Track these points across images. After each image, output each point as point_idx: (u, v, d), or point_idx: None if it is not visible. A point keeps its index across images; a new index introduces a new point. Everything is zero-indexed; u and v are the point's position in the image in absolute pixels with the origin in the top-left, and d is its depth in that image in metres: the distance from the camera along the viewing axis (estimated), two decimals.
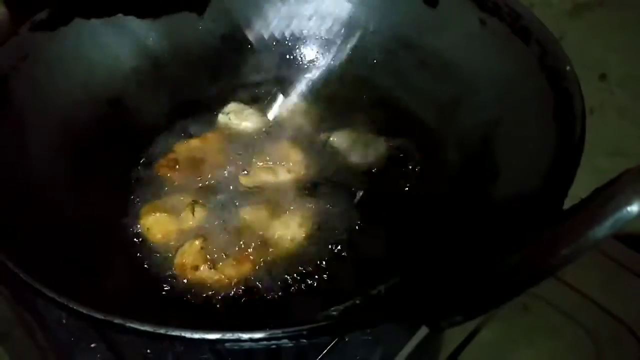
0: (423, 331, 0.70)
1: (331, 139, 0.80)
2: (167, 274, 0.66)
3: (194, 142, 0.80)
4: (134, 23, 0.84)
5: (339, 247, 0.68)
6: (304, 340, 0.45)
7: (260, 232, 0.69)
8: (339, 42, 0.91)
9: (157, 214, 0.70)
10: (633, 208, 0.37)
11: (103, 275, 0.61)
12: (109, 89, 0.82)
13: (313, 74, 0.92)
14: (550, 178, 0.56)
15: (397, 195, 0.74)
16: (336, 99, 0.87)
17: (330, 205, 0.72)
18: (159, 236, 0.69)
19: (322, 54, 0.93)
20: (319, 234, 0.69)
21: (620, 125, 0.99)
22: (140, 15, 0.85)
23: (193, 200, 0.71)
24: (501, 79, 0.72)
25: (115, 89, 0.82)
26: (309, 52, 0.93)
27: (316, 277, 0.65)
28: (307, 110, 0.84)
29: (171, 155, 0.78)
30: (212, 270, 0.65)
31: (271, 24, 0.91)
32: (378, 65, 0.87)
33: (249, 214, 0.70)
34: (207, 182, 0.75)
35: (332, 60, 0.92)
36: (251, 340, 0.44)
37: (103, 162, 0.75)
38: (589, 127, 0.58)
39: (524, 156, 0.64)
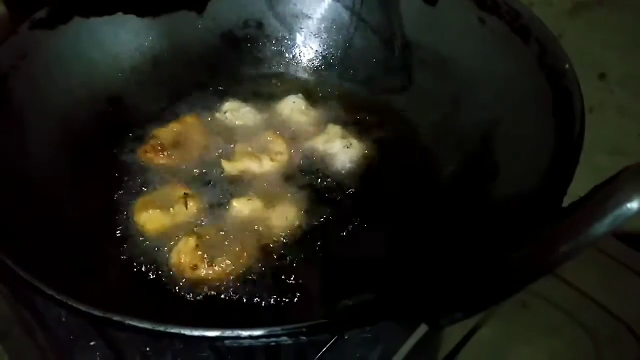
0: (422, 329, 0.70)
1: (327, 137, 0.80)
2: (166, 270, 0.66)
3: (175, 126, 0.80)
4: (133, 22, 0.85)
5: (338, 246, 0.68)
6: (303, 338, 0.45)
7: (255, 225, 0.69)
8: (338, 40, 0.91)
9: (150, 210, 0.69)
10: (633, 205, 0.37)
11: (102, 272, 0.61)
12: (108, 88, 0.82)
13: (311, 73, 0.92)
14: (549, 176, 0.56)
15: (396, 194, 0.74)
16: (334, 97, 0.88)
17: (325, 196, 0.72)
18: (154, 232, 0.69)
19: (320, 52, 0.93)
20: (313, 226, 0.70)
21: (619, 123, 0.99)
22: (140, 13, 0.85)
23: (185, 193, 0.71)
24: (500, 77, 0.73)
25: (115, 87, 0.83)
26: (307, 51, 0.93)
27: (315, 273, 0.65)
28: (305, 108, 0.84)
29: (154, 141, 0.77)
30: (209, 267, 0.64)
31: (270, 23, 0.91)
32: (377, 64, 0.87)
33: (243, 205, 0.70)
34: (196, 172, 0.76)
35: (331, 59, 0.92)
36: (250, 337, 0.44)
37: (102, 160, 0.75)
38: (588, 126, 0.58)
39: (524, 154, 0.64)
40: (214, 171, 0.76)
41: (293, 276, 0.65)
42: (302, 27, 0.92)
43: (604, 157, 0.95)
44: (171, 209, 0.70)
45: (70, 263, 0.59)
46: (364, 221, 0.70)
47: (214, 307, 0.62)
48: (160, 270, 0.66)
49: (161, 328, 0.45)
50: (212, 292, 0.64)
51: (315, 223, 0.70)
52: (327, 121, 0.83)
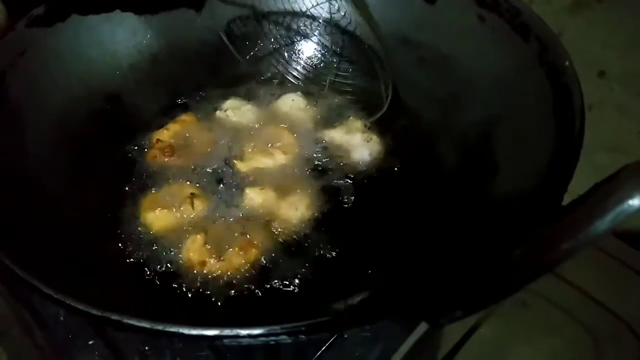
0: (422, 327, 0.70)
1: (327, 136, 0.80)
2: (166, 269, 0.65)
3: (176, 127, 0.79)
4: (131, 19, 0.84)
5: (336, 243, 0.68)
6: (303, 337, 0.45)
7: (266, 218, 0.69)
8: (337, 38, 0.91)
9: (157, 209, 0.69)
10: (634, 202, 0.37)
11: (101, 271, 0.61)
12: (106, 85, 0.81)
13: (311, 70, 0.91)
14: (549, 174, 0.56)
15: (396, 193, 0.74)
16: (334, 95, 0.87)
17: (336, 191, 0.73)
18: (160, 230, 0.69)
19: (320, 50, 0.92)
20: (323, 219, 0.70)
21: (619, 121, 0.99)
22: (138, 11, 0.85)
23: (191, 193, 0.71)
24: (500, 75, 0.72)
25: (113, 85, 0.82)
26: (307, 49, 0.93)
27: (315, 272, 0.65)
28: (305, 106, 0.84)
29: (160, 144, 0.77)
30: (219, 262, 0.64)
31: (269, 20, 0.91)
32: (376, 62, 0.87)
33: (257, 194, 0.70)
34: (203, 171, 0.75)
35: (330, 56, 0.92)
36: (250, 336, 0.44)
37: (101, 158, 0.74)
38: (588, 124, 0.58)
39: (524, 152, 0.64)
40: (224, 169, 0.75)
41: (300, 272, 0.65)
42: (301, 24, 0.92)
43: (604, 155, 0.95)
44: (176, 207, 0.70)
45: (68, 262, 0.58)
46: (365, 222, 0.70)
47: (213, 305, 0.62)
48: (161, 269, 0.65)
49: (160, 327, 0.44)
50: (212, 291, 0.63)
51: (326, 216, 0.70)
52: (327, 120, 0.83)
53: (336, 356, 0.68)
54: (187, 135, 0.79)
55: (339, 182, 0.75)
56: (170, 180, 0.74)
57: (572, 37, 0.91)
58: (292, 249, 0.67)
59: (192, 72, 0.88)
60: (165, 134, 0.78)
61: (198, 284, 0.64)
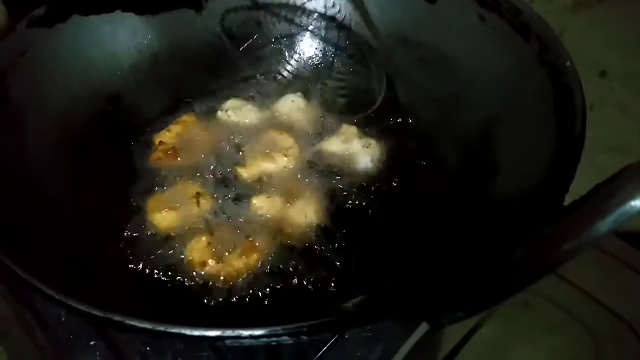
0: (423, 328, 0.70)
1: (325, 147, 0.79)
2: (168, 270, 0.65)
3: (177, 128, 0.79)
4: (132, 20, 0.84)
5: (339, 244, 0.68)
6: (304, 337, 0.45)
7: (274, 224, 0.69)
8: (337, 38, 0.91)
9: (164, 209, 0.69)
10: (636, 203, 0.37)
11: (102, 272, 0.60)
12: (107, 86, 0.81)
13: (311, 70, 0.91)
14: (550, 174, 0.56)
15: (397, 193, 0.74)
16: (335, 95, 0.87)
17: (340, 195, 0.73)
18: (165, 230, 0.69)
19: (320, 50, 0.92)
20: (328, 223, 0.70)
21: (620, 121, 0.99)
22: (139, 12, 0.85)
23: (197, 193, 0.71)
24: (501, 75, 0.72)
25: (114, 86, 0.82)
26: (307, 49, 0.93)
27: (317, 271, 0.65)
28: (305, 106, 0.84)
29: (163, 146, 0.77)
30: (219, 264, 0.64)
31: (270, 20, 0.91)
32: (377, 62, 0.87)
33: (263, 203, 0.70)
34: (207, 172, 0.75)
35: (331, 56, 0.92)
36: (251, 337, 0.44)
37: (102, 159, 0.74)
38: (589, 124, 0.58)
39: (524, 152, 0.64)
40: (229, 170, 0.75)
41: (302, 273, 0.65)
42: (302, 24, 0.92)
43: (605, 155, 0.95)
44: (182, 207, 0.70)
45: (70, 263, 0.58)
46: (365, 222, 0.70)
47: (215, 306, 0.62)
48: (163, 270, 0.65)
49: (161, 328, 0.44)
50: (214, 291, 0.63)
51: (328, 219, 0.70)
52: (327, 121, 0.82)
53: (337, 356, 0.68)
54: (189, 136, 0.79)
55: (340, 185, 0.74)
56: (177, 179, 0.74)
57: (573, 36, 0.91)
58: (294, 251, 0.67)
59: (192, 73, 0.88)
60: (167, 136, 0.78)
61: (200, 285, 0.64)
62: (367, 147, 0.77)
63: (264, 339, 0.44)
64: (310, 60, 0.93)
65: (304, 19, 0.92)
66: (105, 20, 0.82)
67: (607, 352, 0.75)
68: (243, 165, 0.75)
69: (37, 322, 0.72)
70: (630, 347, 0.76)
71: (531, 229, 0.47)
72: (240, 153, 0.77)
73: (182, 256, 0.66)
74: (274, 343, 0.45)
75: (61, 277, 0.51)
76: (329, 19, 0.90)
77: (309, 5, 0.91)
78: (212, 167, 0.76)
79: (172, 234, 0.68)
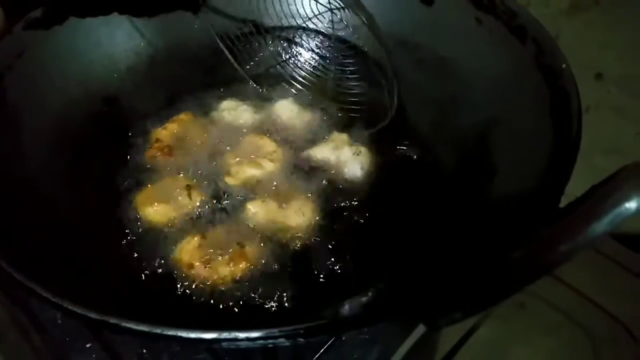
0: (420, 329, 0.70)
1: (314, 155, 0.78)
2: (164, 272, 0.65)
3: (174, 127, 0.79)
4: (129, 22, 0.84)
5: (336, 246, 0.68)
6: (301, 339, 0.44)
7: (267, 226, 0.68)
8: (334, 41, 0.91)
9: (154, 203, 0.69)
10: (631, 204, 0.37)
11: (98, 274, 0.60)
12: (104, 88, 0.82)
13: (308, 73, 0.91)
14: (547, 176, 0.56)
15: (394, 194, 0.74)
16: (331, 97, 0.87)
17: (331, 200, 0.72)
18: (156, 226, 0.69)
19: (317, 52, 0.92)
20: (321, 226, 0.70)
21: (616, 123, 0.99)
22: (136, 14, 0.85)
23: (187, 185, 0.71)
24: (497, 77, 0.73)
25: (111, 88, 0.82)
26: (304, 51, 0.93)
27: (316, 273, 0.65)
28: (299, 112, 0.83)
29: (159, 144, 0.77)
30: (205, 268, 0.63)
31: (266, 23, 0.91)
32: (374, 64, 0.87)
33: (259, 207, 0.70)
34: (202, 173, 0.75)
35: (327, 59, 0.92)
36: (248, 339, 0.44)
37: (98, 160, 0.74)
38: (585, 126, 0.58)
39: (521, 154, 0.64)
40: (219, 176, 0.74)
41: (299, 276, 0.65)
42: (299, 27, 0.92)
43: (601, 157, 0.95)
44: (172, 200, 0.70)
45: (66, 264, 0.58)
46: (364, 223, 0.70)
47: (212, 308, 0.62)
48: (159, 272, 0.65)
49: (158, 330, 0.44)
50: (211, 293, 0.63)
51: (323, 221, 0.70)
52: (322, 123, 0.83)
53: (334, 359, 0.68)
54: (186, 134, 0.79)
55: (335, 187, 0.74)
56: (169, 175, 0.74)
57: (569, 39, 0.91)
58: (288, 252, 0.67)
59: (189, 74, 0.88)
60: (164, 133, 0.78)
61: (193, 287, 0.63)
62: (357, 154, 0.76)
63: (261, 341, 0.44)
64: (307, 63, 0.93)
65: (306, 22, 0.92)
66: (102, 23, 0.82)
67: (603, 354, 0.75)
68: (229, 174, 0.74)
69: (33, 324, 0.72)
70: (626, 348, 0.76)
71: (528, 230, 0.47)
72: (230, 159, 0.76)
73: (171, 257, 0.66)
74: (270, 345, 0.45)
75: (57, 279, 0.51)
76: (334, 36, 0.90)
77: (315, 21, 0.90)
78: (205, 169, 0.75)
79: (167, 235, 0.68)
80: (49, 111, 0.73)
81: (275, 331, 0.44)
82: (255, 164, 0.75)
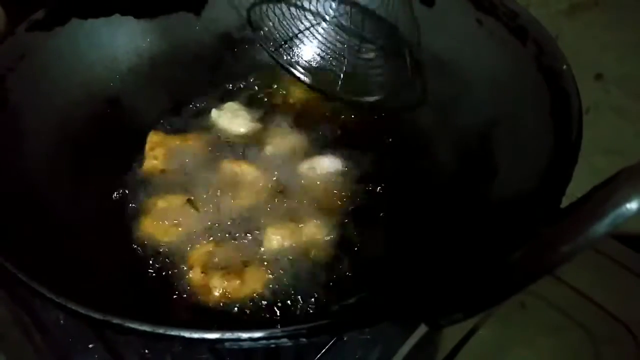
0: (422, 330, 0.70)
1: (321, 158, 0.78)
2: (166, 273, 0.66)
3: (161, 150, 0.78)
4: (131, 23, 0.85)
5: (337, 247, 0.68)
6: (303, 340, 0.45)
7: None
8: (335, 42, 0.91)
9: (159, 222, 0.69)
10: (632, 205, 0.37)
11: (101, 274, 0.60)
12: (106, 89, 0.82)
13: (309, 75, 0.92)
14: (547, 176, 0.56)
15: (395, 195, 0.74)
16: (331, 99, 0.87)
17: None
18: (164, 240, 0.69)
19: (318, 54, 0.92)
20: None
21: (616, 124, 0.99)
22: (138, 15, 0.85)
23: (188, 199, 0.71)
24: (498, 78, 0.73)
25: (113, 89, 0.83)
26: (306, 54, 0.93)
27: (316, 275, 0.65)
28: (292, 129, 0.83)
29: (155, 152, 0.77)
30: (204, 276, 0.64)
31: (268, 25, 0.91)
32: (375, 66, 0.87)
33: (279, 231, 0.68)
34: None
35: (328, 61, 0.92)
36: (250, 339, 0.44)
37: (100, 161, 0.74)
38: (586, 126, 0.58)
39: (522, 155, 0.64)
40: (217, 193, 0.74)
41: (299, 278, 0.65)
42: (300, 29, 0.92)
43: (602, 157, 0.95)
44: (178, 213, 0.70)
45: (68, 265, 0.58)
46: (365, 224, 0.70)
47: (215, 309, 0.62)
48: (162, 273, 0.65)
49: (161, 330, 0.45)
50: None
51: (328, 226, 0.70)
52: (325, 125, 0.83)
53: (336, 358, 0.68)
54: (177, 153, 0.78)
55: (334, 194, 0.74)
56: (166, 187, 0.74)
57: (569, 40, 0.91)
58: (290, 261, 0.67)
59: (191, 76, 0.88)
60: (153, 157, 0.77)
61: (196, 289, 0.64)
62: (346, 168, 0.76)
63: (263, 342, 0.44)
64: (309, 64, 0.93)
65: (307, 24, 0.90)
66: (104, 24, 0.82)
67: (604, 354, 0.75)
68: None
69: (36, 325, 0.72)
70: (627, 348, 0.76)
71: (529, 230, 0.48)
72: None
73: (183, 259, 0.66)
74: (272, 345, 0.45)
75: (60, 280, 0.51)
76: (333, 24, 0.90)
77: None
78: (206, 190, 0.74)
79: (171, 238, 0.68)
80: (51, 112, 0.74)
81: (277, 331, 0.44)
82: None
